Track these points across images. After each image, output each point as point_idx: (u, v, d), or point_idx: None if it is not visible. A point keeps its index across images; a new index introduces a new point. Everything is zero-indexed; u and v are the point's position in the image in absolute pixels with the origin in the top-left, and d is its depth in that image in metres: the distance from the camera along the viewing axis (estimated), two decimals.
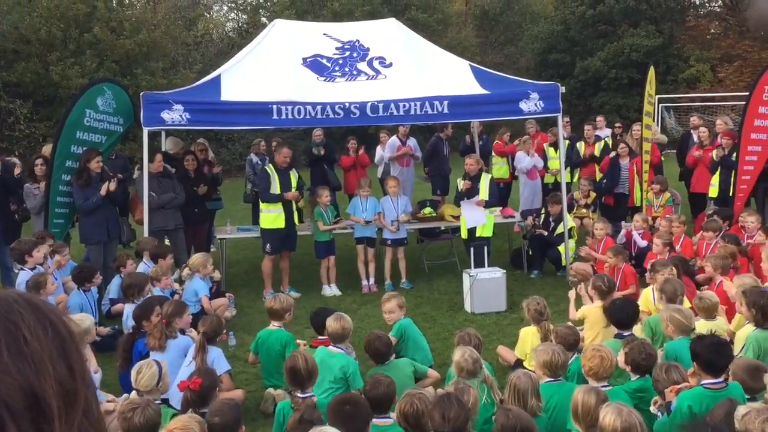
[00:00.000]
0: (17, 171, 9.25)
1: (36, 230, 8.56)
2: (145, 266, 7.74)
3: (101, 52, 20.40)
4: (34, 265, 7.19)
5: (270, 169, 9.03)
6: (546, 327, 5.89)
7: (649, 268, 6.86)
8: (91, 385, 1.01)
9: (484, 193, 9.06)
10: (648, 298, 6.46)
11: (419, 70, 9.38)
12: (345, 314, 5.68)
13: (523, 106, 8.99)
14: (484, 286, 8.30)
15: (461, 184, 9.14)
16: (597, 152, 11.95)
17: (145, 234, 8.45)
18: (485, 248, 8.68)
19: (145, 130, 8.42)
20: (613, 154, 11.21)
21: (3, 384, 0.90)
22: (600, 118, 13.63)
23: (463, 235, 9.31)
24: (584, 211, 11.16)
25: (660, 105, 23.87)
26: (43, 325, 0.97)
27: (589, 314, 6.18)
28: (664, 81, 27.16)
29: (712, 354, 4.18)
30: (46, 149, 9.39)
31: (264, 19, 28.51)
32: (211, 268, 7.72)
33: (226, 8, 32.36)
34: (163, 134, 10.51)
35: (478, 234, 9.09)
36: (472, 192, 8.90)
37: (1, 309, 0.96)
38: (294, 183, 9.05)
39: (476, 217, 9.13)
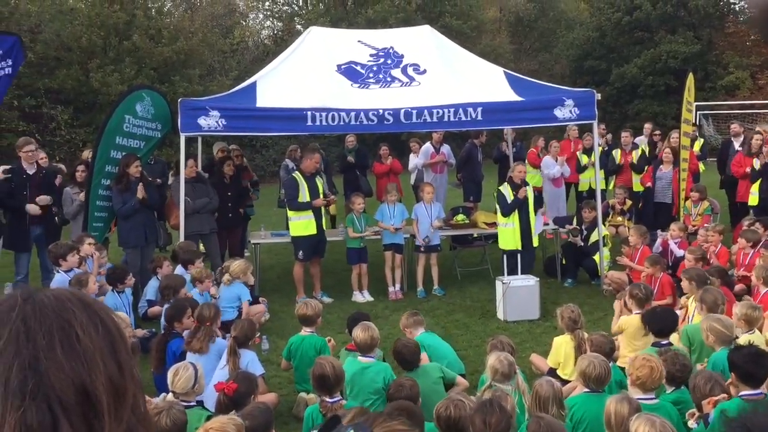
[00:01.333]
0: (58, 180, 9.44)
1: (74, 234, 8.74)
2: (181, 269, 7.85)
3: (140, 60, 20.80)
4: (69, 269, 7.34)
5: (298, 176, 9.09)
6: (579, 335, 5.82)
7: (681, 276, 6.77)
8: (139, 382, 1.04)
9: (532, 199, 8.99)
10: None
11: (453, 76, 9.38)
12: (372, 324, 5.67)
13: (558, 113, 8.92)
14: (517, 293, 8.24)
15: (508, 192, 8.80)
16: (634, 160, 11.81)
17: (181, 238, 8.58)
18: (518, 256, 8.62)
19: (182, 136, 8.55)
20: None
21: (56, 380, 0.93)
22: (647, 125, 13.48)
23: (512, 245, 8.86)
24: (620, 219, 11.03)
25: (698, 112, 23.52)
26: (95, 323, 1.00)
27: (629, 325, 6.09)
28: (702, 88, 26.77)
29: (751, 365, 4.10)
30: (87, 154, 9.59)
31: (299, 27, 28.79)
32: (251, 277, 7.79)
33: (261, 16, 32.77)
34: (200, 140, 10.66)
35: (534, 244, 8.97)
36: (526, 200, 8.82)
37: (56, 307, 0.98)
38: (321, 189, 9.10)
39: (539, 224, 9.08)
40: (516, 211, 8.82)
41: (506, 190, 8.88)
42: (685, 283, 6.61)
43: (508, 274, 8.55)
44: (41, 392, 0.91)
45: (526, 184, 8.95)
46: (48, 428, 0.90)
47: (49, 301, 0.99)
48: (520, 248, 8.73)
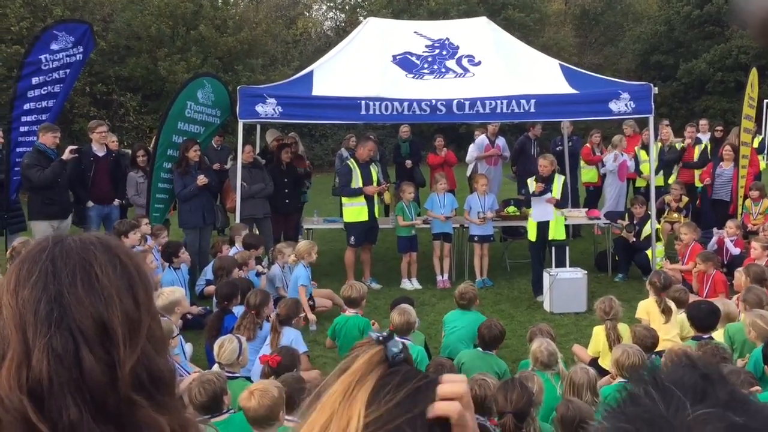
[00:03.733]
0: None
1: (137, 214, 9.16)
2: (236, 250, 8.16)
3: (206, 49, 21.37)
4: (131, 246, 7.69)
5: (352, 163, 9.27)
6: (608, 326, 5.85)
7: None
8: (155, 316, 1.17)
9: (556, 193, 8.72)
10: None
11: (508, 68, 9.39)
12: (410, 308, 5.80)
13: (613, 106, 8.85)
14: (563, 286, 8.25)
15: (533, 185, 8.76)
16: (696, 156, 11.55)
17: (237, 221, 8.89)
18: (566, 248, 8.61)
19: (240, 123, 8.84)
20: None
21: (77, 312, 1.07)
22: (704, 122, 13.16)
23: (531, 236, 8.81)
24: (676, 215, 10.85)
25: None
26: (113, 263, 1.13)
27: (648, 308, 6.14)
28: None
29: None
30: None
31: (361, 18, 28.98)
32: (315, 257, 8.00)
33: (325, 7, 33.10)
34: (258, 127, 10.96)
35: (551, 237, 8.70)
36: (544, 193, 8.68)
37: (80, 249, 1.13)
38: (375, 177, 9.26)
39: (543, 212, 8.69)
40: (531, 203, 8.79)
41: (532, 183, 8.83)
42: (742, 278, 6.48)
43: (537, 267, 8.68)
44: (65, 322, 1.05)
45: (550, 179, 8.73)
46: (71, 353, 1.04)
47: (75, 244, 1.13)
48: (535, 240, 8.71)
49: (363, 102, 8.64)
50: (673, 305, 5.99)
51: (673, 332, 5.79)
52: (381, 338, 1.01)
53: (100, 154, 9.26)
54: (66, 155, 8.46)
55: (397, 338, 1.03)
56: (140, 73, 20.61)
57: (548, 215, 8.65)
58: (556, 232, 8.71)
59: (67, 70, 9.35)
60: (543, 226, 8.65)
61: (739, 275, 6.51)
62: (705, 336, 5.25)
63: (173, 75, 20.04)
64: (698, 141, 11.84)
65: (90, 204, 9.19)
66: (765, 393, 4.00)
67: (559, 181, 8.78)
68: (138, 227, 7.76)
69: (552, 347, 4.79)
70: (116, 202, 9.41)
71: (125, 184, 9.41)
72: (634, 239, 9.42)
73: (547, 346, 4.79)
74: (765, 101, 20.63)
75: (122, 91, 20.61)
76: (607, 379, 5.21)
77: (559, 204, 8.75)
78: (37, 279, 1.08)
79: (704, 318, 5.28)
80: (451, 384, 0.99)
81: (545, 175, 8.68)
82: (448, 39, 9.88)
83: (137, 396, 1.07)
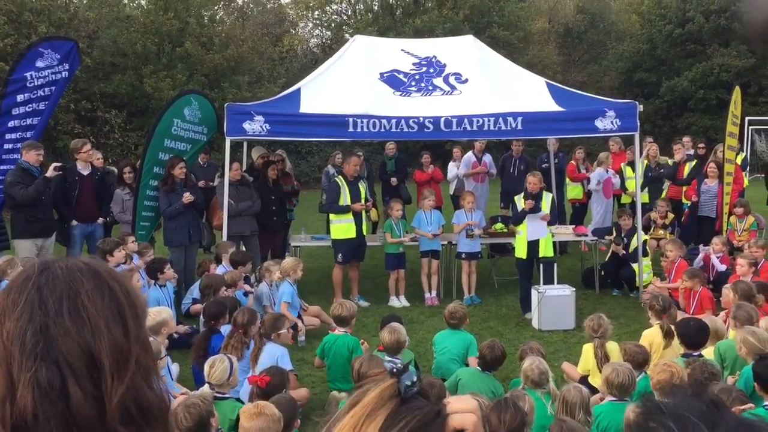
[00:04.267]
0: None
1: (122, 232, 9.07)
2: (223, 269, 8.09)
3: (191, 66, 21.35)
4: (116, 264, 7.61)
5: (340, 180, 9.26)
6: (596, 344, 5.84)
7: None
8: (145, 345, 1.13)
9: (546, 210, 8.71)
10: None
11: (494, 86, 9.45)
12: (400, 326, 5.79)
13: (599, 123, 8.91)
14: (552, 303, 8.25)
15: (521, 202, 8.70)
16: (686, 172, 11.63)
17: (224, 239, 8.83)
18: (554, 265, 8.62)
19: (228, 140, 8.80)
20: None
21: (64, 343, 1.03)
22: (686, 139, 13.28)
23: (520, 254, 8.76)
24: (661, 232, 10.91)
25: (750, 128, 23.01)
26: (101, 291, 1.09)
27: (653, 337, 6.07)
28: (756, 103, 26.21)
29: None
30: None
31: (347, 36, 29.12)
32: (300, 274, 7.96)
33: (311, 25, 33.25)
34: (245, 144, 10.93)
35: (541, 254, 8.71)
36: (534, 210, 8.69)
37: (66, 277, 1.09)
38: (363, 194, 9.25)
39: (538, 230, 8.72)
40: (525, 221, 8.65)
41: (520, 200, 8.75)
42: (730, 295, 6.48)
43: (524, 284, 8.64)
44: (51, 354, 1.02)
45: (540, 195, 8.76)
46: (57, 386, 1.01)
47: (61, 271, 1.09)
48: (524, 258, 8.67)
49: (351, 119, 8.64)
50: (672, 328, 5.98)
51: (675, 353, 5.76)
52: (395, 370, 0.99)
53: (85, 172, 9.17)
54: (50, 173, 8.37)
55: (411, 369, 1.00)
56: (125, 89, 20.54)
57: (542, 233, 8.68)
58: (546, 250, 8.72)
59: (53, 88, 9.29)
60: (533, 244, 8.65)
61: (727, 292, 6.53)
62: (695, 353, 5.25)
63: (159, 92, 20.00)
64: (690, 158, 11.93)
65: (74, 222, 9.09)
66: (758, 409, 4.00)
67: (547, 198, 8.81)
68: (122, 245, 7.68)
69: (543, 366, 4.77)
70: (100, 220, 9.32)
71: (110, 202, 9.33)
72: (624, 252, 9.44)
73: (539, 364, 4.77)
74: (746, 119, 20.87)
75: (107, 107, 20.52)
76: (597, 398, 5.19)
77: (549, 221, 8.78)
78: (23, 309, 1.05)
79: (694, 335, 5.28)
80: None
81: (534, 192, 8.67)
82: (435, 57, 9.93)
83: (125, 429, 1.04)
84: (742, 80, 22.74)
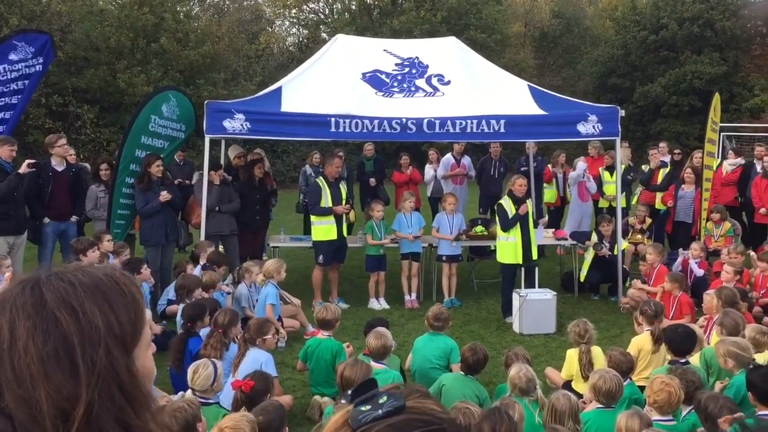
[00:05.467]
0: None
1: (96, 230, 8.85)
2: (200, 269, 7.93)
3: (167, 62, 21.04)
4: (91, 263, 7.43)
5: (321, 182, 9.15)
6: (583, 350, 5.82)
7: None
8: (108, 379, 0.99)
9: (532, 213, 8.76)
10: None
11: (477, 88, 9.41)
12: (386, 330, 5.72)
13: (581, 128, 8.92)
14: (533, 307, 8.23)
15: (510, 207, 8.53)
16: (660, 178, 11.72)
17: (202, 238, 8.67)
18: (536, 269, 8.60)
19: (207, 138, 8.65)
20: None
21: (9, 397, 0.95)
22: (663, 144, 13.40)
23: (510, 258, 8.60)
24: (639, 236, 10.97)
25: (721, 134, 23.31)
26: (41, 328, 0.97)
27: (642, 344, 6.06)
28: (727, 110, 26.54)
29: None
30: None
31: (324, 35, 28.99)
32: (284, 275, 7.83)
33: (288, 23, 33.03)
34: (223, 143, 10.77)
35: (534, 258, 8.72)
36: (527, 214, 8.62)
37: (9, 317, 0.98)
38: (344, 195, 9.15)
39: (540, 235, 8.78)
40: (517, 225, 8.52)
41: (507, 203, 8.57)
42: (714, 301, 6.48)
43: (508, 288, 8.56)
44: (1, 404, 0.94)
45: (527, 198, 8.74)
46: None
47: (6, 307, 0.99)
48: (520, 263, 8.59)
49: (333, 119, 8.54)
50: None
51: (662, 359, 5.76)
52: (351, 392, 0.95)
53: (59, 168, 8.94)
54: (23, 169, 8.15)
55: (376, 394, 0.93)
56: (98, 84, 20.17)
57: (540, 236, 8.68)
58: (535, 254, 8.76)
59: (26, 81, 9.04)
60: (527, 248, 8.58)
61: (710, 298, 6.54)
62: (681, 360, 5.24)
63: (133, 87, 19.69)
64: (664, 164, 12.02)
65: (46, 220, 8.86)
66: (750, 420, 3.99)
67: (531, 202, 8.83)
68: (97, 245, 7.48)
69: (531, 373, 4.72)
70: (73, 218, 9.09)
71: (84, 199, 9.12)
72: (609, 253, 9.44)
73: (526, 372, 4.71)
74: (720, 125, 21.12)
75: (79, 102, 20.13)
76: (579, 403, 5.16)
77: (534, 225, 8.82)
78: None
79: (681, 342, 5.27)
80: None
81: (521, 195, 8.61)
82: (417, 58, 9.87)
83: None
84: (713, 87, 23.03)
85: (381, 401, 0.92)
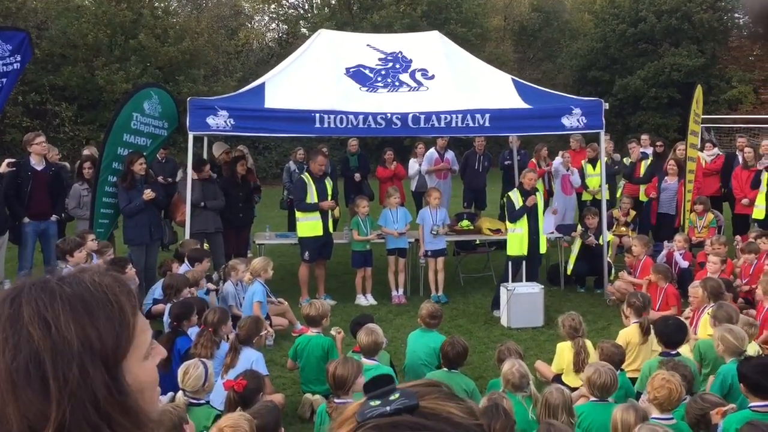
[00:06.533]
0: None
1: (79, 229, 8.73)
2: (186, 268, 7.84)
3: (145, 59, 20.81)
4: (76, 264, 7.33)
5: (306, 177, 9.09)
6: (579, 343, 5.83)
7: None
8: (81, 397, 0.95)
9: (541, 206, 8.80)
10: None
11: (461, 82, 9.40)
12: (377, 327, 5.68)
13: (566, 121, 8.95)
14: (521, 300, 8.24)
15: (517, 199, 8.60)
16: (642, 170, 11.79)
17: (187, 236, 8.58)
18: (523, 263, 8.61)
19: (191, 135, 8.55)
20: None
21: None
22: (644, 137, 13.49)
23: (517, 250, 8.64)
24: (623, 229, 11.04)
25: (700, 126, 23.53)
26: (14, 343, 0.94)
27: (631, 336, 6.08)
28: (706, 101, 26.63)
29: (760, 375, 4.10)
30: (89, 151, 9.57)
31: (304, 30, 28.82)
32: (271, 273, 7.77)
33: (267, 19, 32.80)
34: (206, 140, 10.66)
35: (542, 251, 8.81)
36: (535, 207, 8.63)
37: None
38: (330, 191, 9.10)
39: (548, 225, 8.75)
40: (525, 217, 8.59)
41: (516, 196, 8.67)
42: (699, 293, 6.52)
43: (512, 281, 8.54)
44: None
45: (536, 191, 8.80)
46: None
47: None
48: (525, 254, 8.64)
49: (317, 115, 8.49)
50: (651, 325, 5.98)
51: (649, 350, 5.80)
52: (365, 385, 0.95)
53: (39, 167, 8.81)
54: (2, 168, 8.01)
55: (391, 390, 0.92)
56: (76, 82, 19.90)
57: (549, 228, 8.71)
58: (543, 246, 8.82)
59: (3, 80, 8.86)
60: (534, 241, 8.64)
61: (696, 290, 6.59)
62: (672, 352, 5.27)
63: (111, 85, 19.45)
64: (645, 156, 12.10)
65: (26, 220, 8.73)
66: (745, 411, 4.01)
67: (540, 195, 8.90)
68: (83, 245, 7.37)
69: (524, 369, 4.70)
70: (53, 217, 8.97)
71: (65, 198, 8.99)
72: (596, 242, 9.46)
73: (519, 368, 4.69)
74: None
75: (57, 100, 19.85)
76: (575, 396, 5.17)
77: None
78: None
79: (672, 334, 5.30)
80: None
81: (530, 188, 8.66)
82: (401, 52, 9.83)
83: None
84: (692, 79, 23.22)
85: (392, 398, 0.90)
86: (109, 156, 8.71)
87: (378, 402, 0.90)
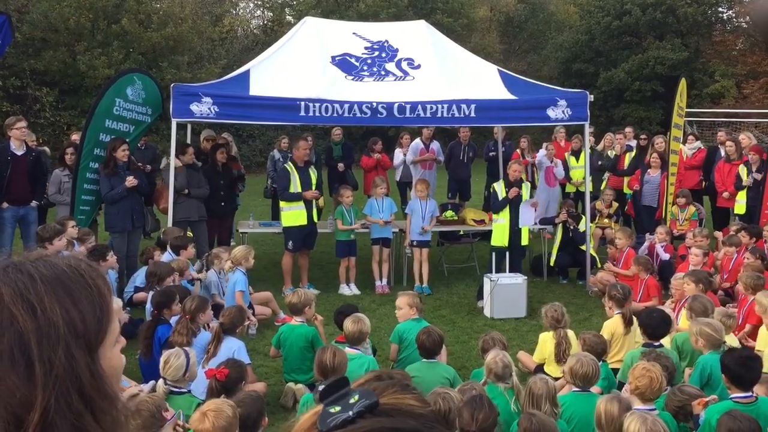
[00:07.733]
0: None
1: (60, 216, 8.63)
2: (169, 256, 7.79)
3: (128, 44, 20.54)
4: (57, 252, 7.24)
5: (290, 167, 9.03)
6: (561, 334, 5.86)
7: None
8: (67, 382, 0.93)
9: (526, 197, 8.78)
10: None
11: (447, 72, 9.37)
12: (364, 316, 5.67)
13: (551, 113, 8.96)
14: (504, 291, 8.27)
15: (501, 190, 8.68)
16: (626, 163, 11.86)
17: (170, 224, 8.51)
18: (506, 253, 8.63)
19: (174, 122, 8.47)
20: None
21: None
22: (628, 129, 13.55)
23: (500, 241, 8.73)
24: (606, 221, 11.10)
25: (684, 119, 23.69)
26: None
27: (614, 328, 6.12)
28: (688, 95, 26.88)
29: (742, 368, 4.14)
30: (75, 136, 9.44)
31: (290, 18, 28.63)
32: (252, 261, 7.72)
33: (252, 5, 32.53)
34: (189, 127, 10.56)
35: (523, 243, 8.81)
36: (519, 199, 8.66)
37: None
38: (314, 180, 9.05)
39: (528, 217, 8.71)
40: (507, 208, 8.66)
41: (500, 187, 8.74)
42: (690, 285, 6.52)
43: (495, 272, 8.56)
44: None
45: (521, 183, 8.83)
46: None
47: None
48: (506, 245, 8.66)
49: (303, 103, 8.43)
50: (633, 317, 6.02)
51: (633, 341, 5.84)
52: (320, 392, 0.90)
53: (19, 152, 8.69)
54: None
55: (348, 393, 0.88)
56: (57, 67, 19.61)
57: (531, 220, 8.73)
58: (525, 238, 8.84)
59: None
60: (517, 232, 8.66)
61: (680, 282, 6.63)
62: (655, 344, 5.30)
63: (93, 70, 19.19)
64: (629, 148, 12.16)
65: (5, 205, 8.62)
66: (726, 402, 4.04)
67: (526, 187, 8.87)
68: (63, 232, 7.28)
69: (507, 359, 4.71)
70: (33, 203, 8.86)
71: (44, 183, 8.87)
72: (575, 224, 9.48)
73: (502, 357, 4.70)
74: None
75: (37, 85, 19.55)
76: (557, 386, 5.19)
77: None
78: None
79: (656, 326, 5.33)
80: None
81: (516, 179, 8.67)
82: (387, 41, 9.78)
83: None
84: (676, 73, 23.34)
85: (352, 401, 0.86)
86: (90, 142, 8.60)
87: (338, 408, 0.86)
